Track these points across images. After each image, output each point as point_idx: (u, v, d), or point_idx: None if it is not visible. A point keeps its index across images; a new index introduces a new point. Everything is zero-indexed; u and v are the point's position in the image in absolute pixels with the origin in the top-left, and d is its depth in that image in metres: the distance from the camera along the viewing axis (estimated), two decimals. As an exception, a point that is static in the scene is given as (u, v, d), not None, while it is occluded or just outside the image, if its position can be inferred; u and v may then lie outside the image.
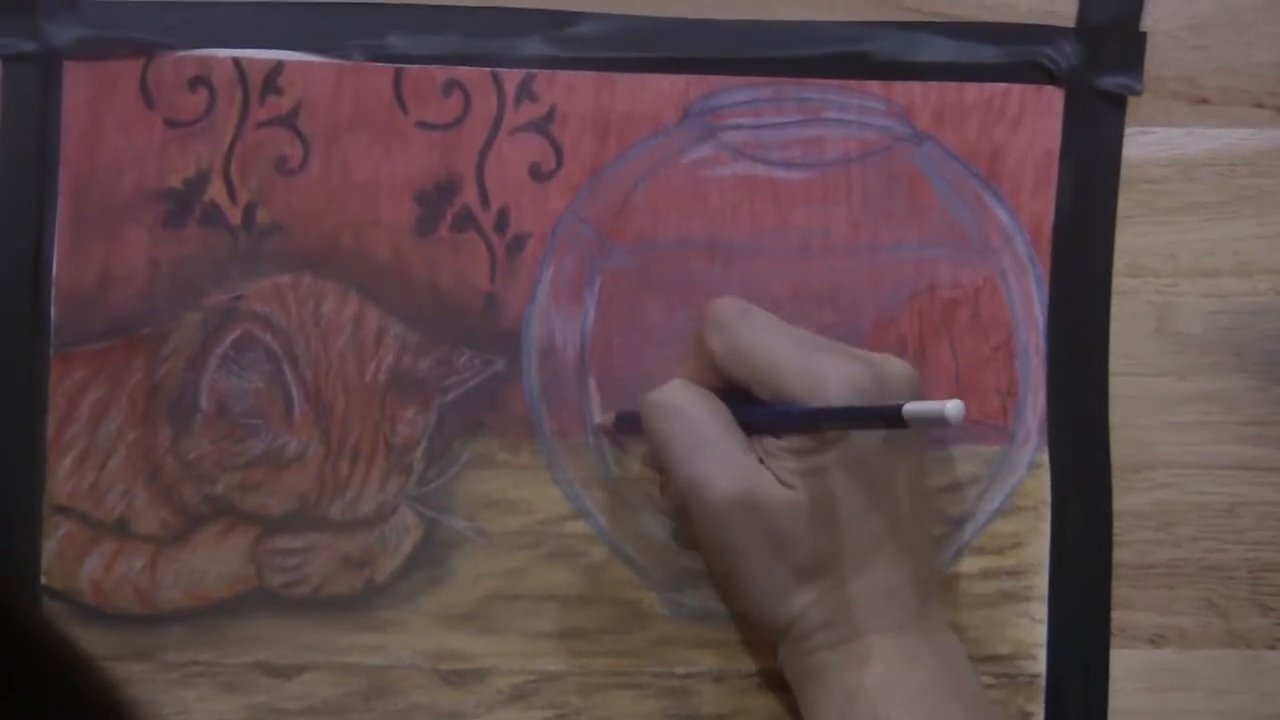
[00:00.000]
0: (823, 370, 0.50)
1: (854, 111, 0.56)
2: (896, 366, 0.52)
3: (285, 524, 0.55)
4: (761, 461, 0.51)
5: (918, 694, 0.50)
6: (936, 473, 0.56)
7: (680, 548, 0.56)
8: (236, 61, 0.55)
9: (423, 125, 0.56)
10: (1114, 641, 0.56)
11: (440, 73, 0.56)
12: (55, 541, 0.55)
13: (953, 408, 0.44)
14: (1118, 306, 0.56)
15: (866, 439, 0.50)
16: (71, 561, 0.55)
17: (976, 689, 0.53)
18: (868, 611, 0.51)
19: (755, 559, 0.51)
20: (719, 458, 0.50)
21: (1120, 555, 0.56)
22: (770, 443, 0.51)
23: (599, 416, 0.56)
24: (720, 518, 0.51)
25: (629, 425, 0.55)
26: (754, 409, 0.51)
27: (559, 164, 0.56)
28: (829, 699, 0.51)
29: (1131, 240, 0.56)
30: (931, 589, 0.53)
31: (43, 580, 0.55)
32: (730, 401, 0.52)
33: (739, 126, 0.56)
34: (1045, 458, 0.56)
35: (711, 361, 0.52)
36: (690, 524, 0.53)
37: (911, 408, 0.46)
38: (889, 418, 0.47)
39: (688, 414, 0.51)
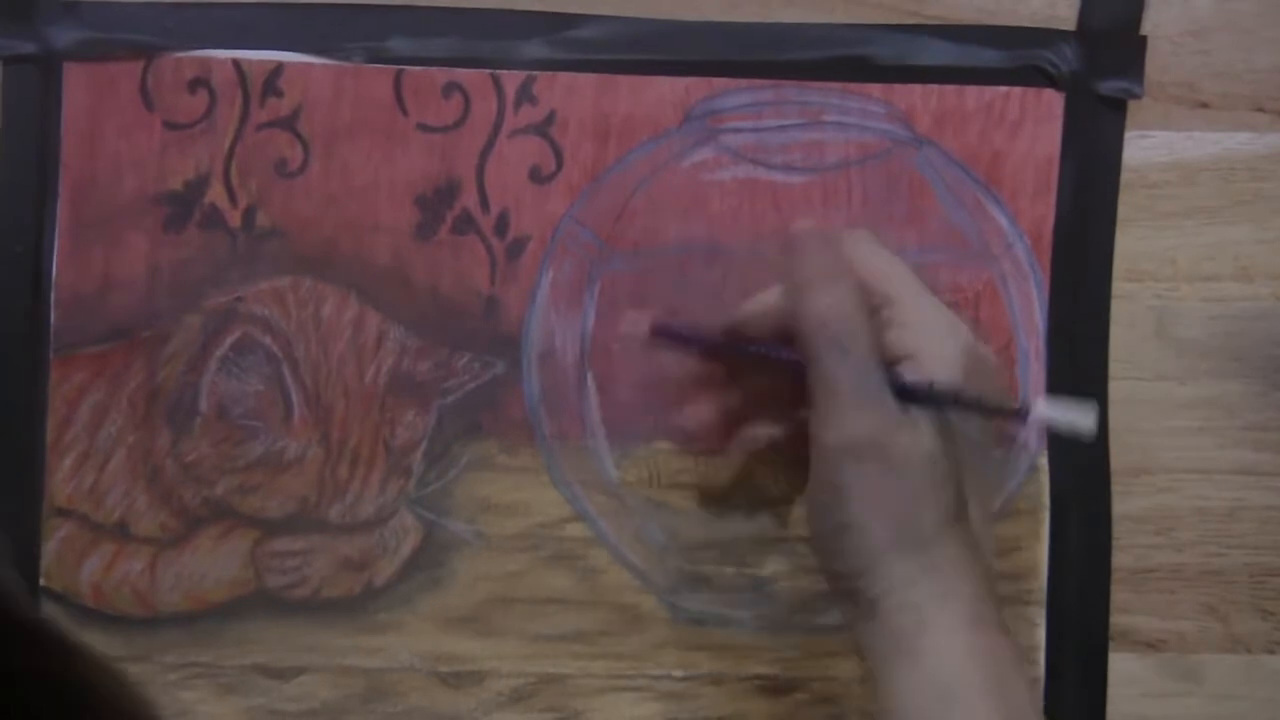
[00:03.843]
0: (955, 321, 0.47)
1: (854, 115, 0.56)
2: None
3: (285, 526, 0.55)
4: None
5: (1007, 694, 0.46)
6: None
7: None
8: (236, 63, 0.55)
9: (423, 128, 0.56)
10: (1113, 645, 0.56)
11: (440, 74, 0.55)
12: (55, 544, 0.55)
13: (1087, 422, 0.42)
14: (1117, 311, 0.56)
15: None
16: (71, 564, 0.55)
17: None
18: (955, 601, 0.46)
19: (866, 513, 0.46)
20: (871, 388, 0.46)
21: (1120, 559, 0.56)
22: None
23: (628, 325, 0.53)
24: (848, 456, 0.46)
25: (672, 339, 0.51)
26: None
27: (559, 167, 0.56)
28: (920, 685, 0.46)
29: (1131, 244, 0.56)
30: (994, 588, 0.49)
31: (42, 582, 0.55)
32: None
33: (739, 129, 0.56)
34: (1044, 462, 0.56)
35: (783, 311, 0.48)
36: (795, 461, 0.48)
37: (1050, 411, 0.42)
38: (1020, 412, 0.43)
39: (857, 320, 0.46)
